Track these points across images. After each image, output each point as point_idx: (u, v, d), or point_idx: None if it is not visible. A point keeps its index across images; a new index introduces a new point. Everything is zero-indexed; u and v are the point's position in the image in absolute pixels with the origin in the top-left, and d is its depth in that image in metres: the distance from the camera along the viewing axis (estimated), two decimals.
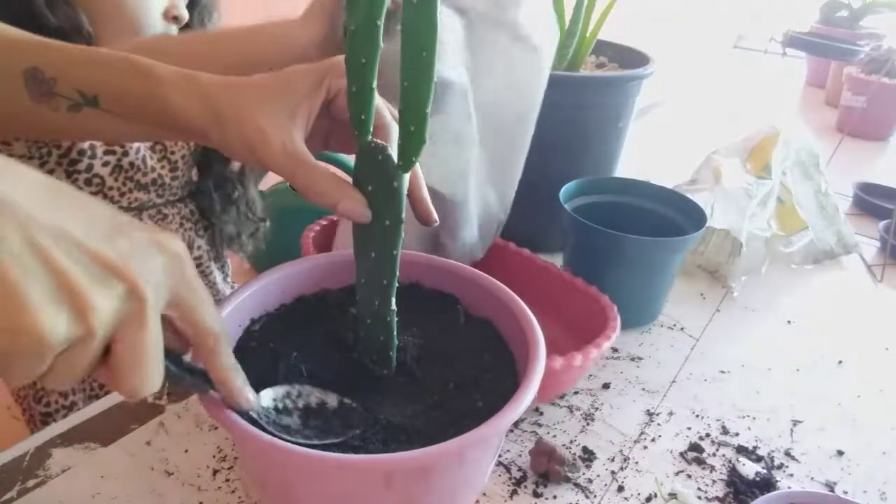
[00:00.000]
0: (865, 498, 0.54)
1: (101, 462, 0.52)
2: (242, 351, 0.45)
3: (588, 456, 0.55)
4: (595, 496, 0.52)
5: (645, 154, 1.19)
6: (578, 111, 0.78)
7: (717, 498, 0.52)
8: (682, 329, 0.75)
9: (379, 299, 0.42)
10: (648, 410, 0.62)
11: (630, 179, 0.81)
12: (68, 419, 0.55)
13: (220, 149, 0.42)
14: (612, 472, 0.54)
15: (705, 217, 0.72)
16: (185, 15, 0.69)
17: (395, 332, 0.43)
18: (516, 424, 0.58)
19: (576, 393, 0.63)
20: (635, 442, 0.58)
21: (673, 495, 0.52)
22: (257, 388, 0.37)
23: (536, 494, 0.51)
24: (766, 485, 0.54)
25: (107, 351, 0.27)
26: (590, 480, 0.53)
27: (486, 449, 0.41)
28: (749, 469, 0.55)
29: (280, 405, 0.39)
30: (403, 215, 0.39)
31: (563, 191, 0.74)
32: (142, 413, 0.56)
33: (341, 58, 0.39)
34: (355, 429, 0.39)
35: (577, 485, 0.53)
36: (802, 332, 0.76)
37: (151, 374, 0.28)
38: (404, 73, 0.34)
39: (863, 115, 1.49)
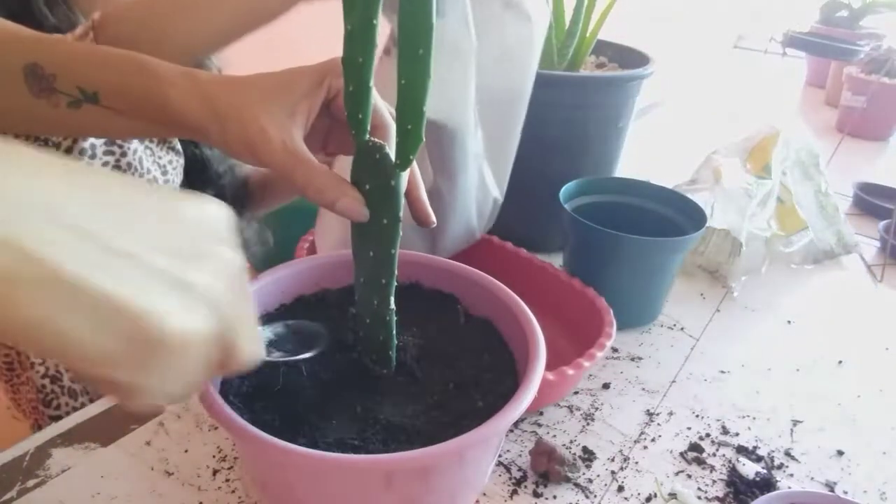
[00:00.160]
0: (865, 498, 0.54)
1: (101, 462, 0.52)
2: None
3: (588, 456, 0.55)
4: (595, 496, 0.52)
5: (645, 154, 1.19)
6: (578, 111, 0.78)
7: (717, 498, 0.52)
8: (682, 329, 0.75)
9: (378, 299, 0.42)
10: (648, 410, 0.62)
11: (630, 179, 0.81)
12: (68, 419, 0.55)
13: (219, 146, 0.42)
14: (612, 472, 0.54)
15: (705, 217, 0.72)
16: None
17: (394, 332, 0.43)
18: (516, 424, 0.58)
19: (576, 393, 0.63)
20: (635, 442, 0.58)
21: (673, 495, 0.52)
22: (258, 394, 0.38)
23: (536, 494, 0.51)
24: (766, 485, 0.54)
25: None
26: (590, 480, 0.53)
27: (486, 449, 0.41)
28: (749, 469, 0.55)
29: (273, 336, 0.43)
30: (401, 214, 0.39)
31: (563, 191, 0.74)
32: (142, 413, 0.56)
33: None
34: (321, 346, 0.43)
35: (577, 485, 0.53)
36: (802, 332, 0.76)
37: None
38: (401, 72, 0.34)
39: (863, 115, 1.48)
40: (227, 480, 0.51)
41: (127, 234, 0.25)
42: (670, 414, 0.61)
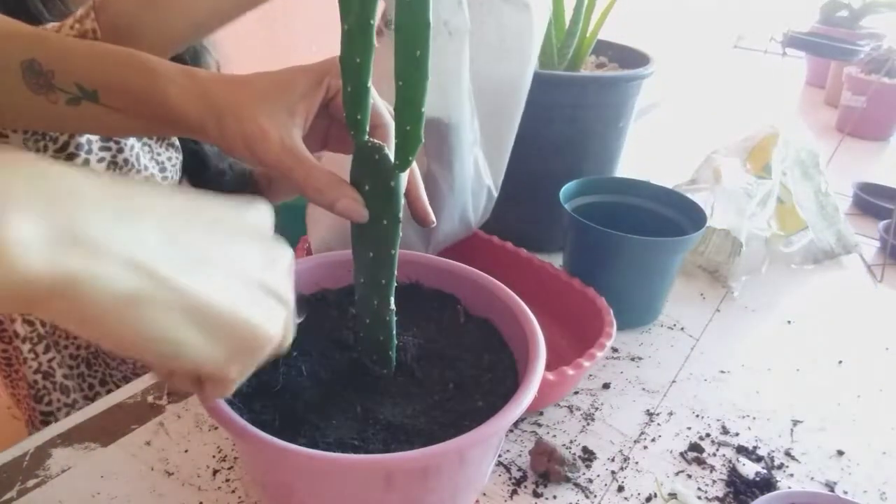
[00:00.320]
0: (865, 498, 0.54)
1: (101, 462, 0.52)
2: None
3: (588, 456, 0.55)
4: (595, 496, 0.52)
5: (645, 154, 1.19)
6: (578, 111, 0.78)
7: (717, 498, 0.52)
8: (682, 329, 0.75)
9: (378, 299, 0.42)
10: (648, 410, 0.62)
11: (630, 179, 0.81)
12: (68, 419, 0.55)
13: (217, 144, 0.42)
14: (612, 472, 0.54)
15: (705, 217, 0.72)
16: None
17: (394, 332, 0.43)
18: (516, 424, 0.58)
19: (576, 393, 0.63)
20: (635, 442, 0.58)
21: (673, 495, 0.52)
22: (256, 392, 0.38)
23: (536, 494, 0.51)
24: (766, 485, 0.54)
25: None
26: (590, 480, 0.53)
27: (487, 449, 0.41)
28: (749, 469, 0.55)
29: None
30: (401, 214, 0.39)
31: (563, 191, 0.74)
32: (142, 413, 0.56)
33: None
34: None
35: (577, 485, 0.53)
36: (802, 332, 0.76)
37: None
38: (399, 73, 0.34)
39: (863, 115, 1.48)
40: (227, 480, 0.51)
41: (216, 248, 0.27)
42: (670, 414, 0.61)
